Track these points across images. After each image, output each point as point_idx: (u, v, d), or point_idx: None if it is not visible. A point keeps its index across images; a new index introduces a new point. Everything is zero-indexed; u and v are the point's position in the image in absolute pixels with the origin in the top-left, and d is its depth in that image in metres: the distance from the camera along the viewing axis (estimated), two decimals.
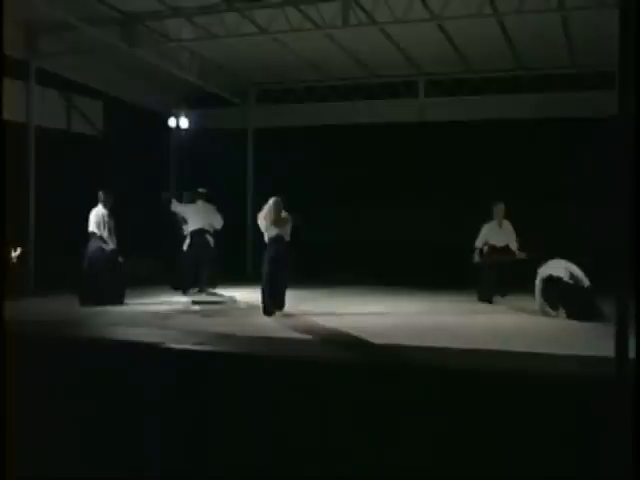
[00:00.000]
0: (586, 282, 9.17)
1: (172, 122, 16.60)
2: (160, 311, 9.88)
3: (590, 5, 10.28)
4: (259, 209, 9.60)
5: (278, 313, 9.34)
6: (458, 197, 14.95)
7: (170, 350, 6.58)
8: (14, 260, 12.68)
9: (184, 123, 16.63)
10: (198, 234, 11.36)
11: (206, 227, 11.41)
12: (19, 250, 12.72)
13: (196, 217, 11.41)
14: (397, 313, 9.96)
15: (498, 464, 4.78)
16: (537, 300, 9.67)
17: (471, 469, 4.84)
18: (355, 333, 7.67)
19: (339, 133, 15.90)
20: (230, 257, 13.32)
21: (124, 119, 15.32)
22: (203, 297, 11.22)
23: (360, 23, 11.39)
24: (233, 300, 11.18)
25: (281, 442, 5.31)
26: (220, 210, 11.56)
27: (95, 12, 11.65)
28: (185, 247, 11.45)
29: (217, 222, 11.47)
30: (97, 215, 10.32)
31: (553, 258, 9.77)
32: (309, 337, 7.60)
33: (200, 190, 11.55)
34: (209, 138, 16.25)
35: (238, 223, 15.14)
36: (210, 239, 11.47)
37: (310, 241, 15.52)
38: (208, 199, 11.52)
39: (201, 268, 11.41)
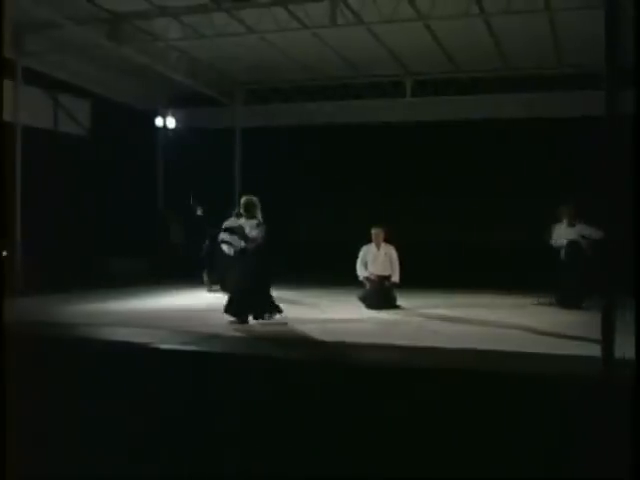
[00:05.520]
0: None
1: (159, 121, 16.56)
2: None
3: (576, 6, 10.31)
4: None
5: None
6: (446, 197, 15.00)
7: (158, 350, 6.56)
8: None
9: (171, 122, 16.58)
10: None
11: None
12: (4, 252, 12.61)
13: None
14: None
15: None
16: None
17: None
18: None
19: (327, 133, 15.88)
20: None
21: (111, 118, 15.25)
22: None
23: (348, 23, 11.37)
24: None
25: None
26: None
27: (82, 11, 11.57)
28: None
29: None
30: None
31: None
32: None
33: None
34: (196, 138, 16.19)
35: None
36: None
37: (297, 242, 15.54)
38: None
39: None
